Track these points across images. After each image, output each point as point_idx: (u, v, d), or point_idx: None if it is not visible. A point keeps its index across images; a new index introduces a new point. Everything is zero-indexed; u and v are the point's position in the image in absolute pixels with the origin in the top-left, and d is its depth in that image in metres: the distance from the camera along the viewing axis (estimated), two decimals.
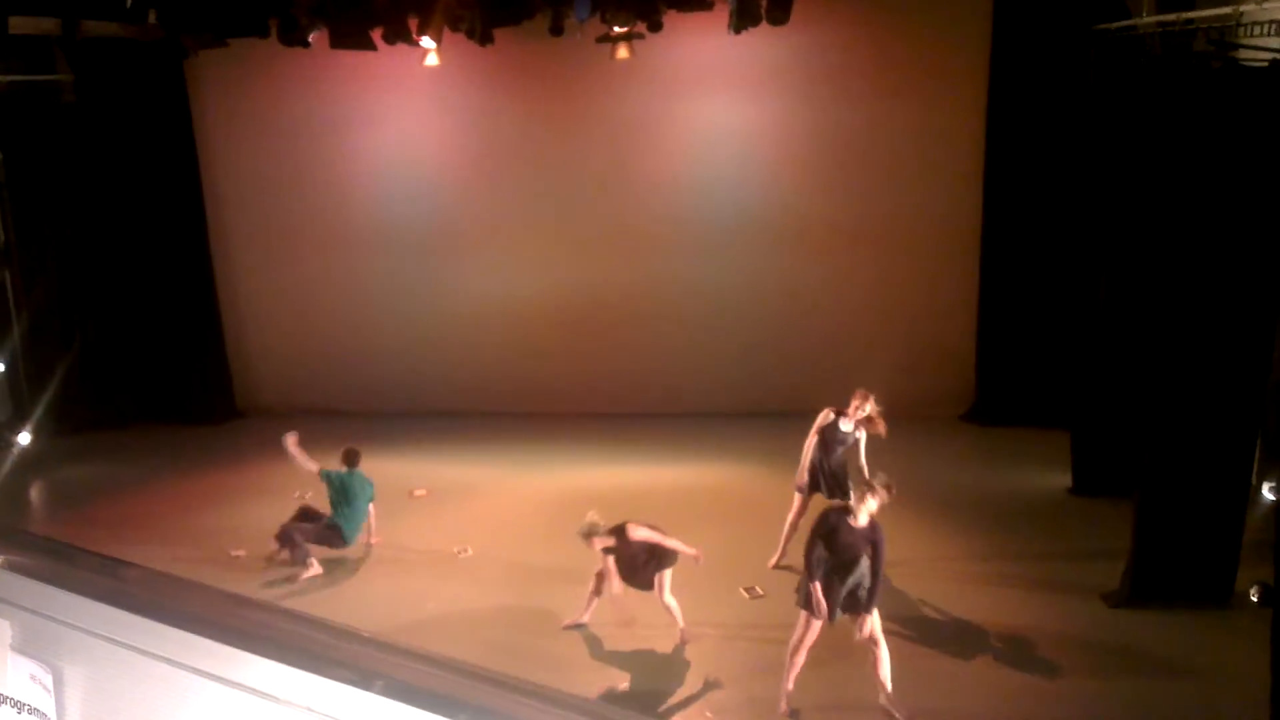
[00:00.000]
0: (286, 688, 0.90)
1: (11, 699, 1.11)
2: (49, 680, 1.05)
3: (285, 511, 9.36)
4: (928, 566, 8.17)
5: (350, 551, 8.55)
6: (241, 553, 8.68)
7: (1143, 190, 8.05)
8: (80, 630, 1.04)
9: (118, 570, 1.15)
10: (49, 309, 12.14)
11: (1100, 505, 8.86)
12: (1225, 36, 7.35)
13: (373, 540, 8.73)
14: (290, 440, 8.37)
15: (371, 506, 8.59)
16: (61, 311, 12.19)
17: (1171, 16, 7.93)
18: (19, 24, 9.43)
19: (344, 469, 8.40)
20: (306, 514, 8.51)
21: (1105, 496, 8.87)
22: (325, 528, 8.33)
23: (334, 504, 8.35)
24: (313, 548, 8.25)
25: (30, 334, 12.07)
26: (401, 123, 11.93)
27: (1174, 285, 7.19)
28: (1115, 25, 8.80)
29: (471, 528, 9.10)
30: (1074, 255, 9.91)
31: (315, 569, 8.17)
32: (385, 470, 9.73)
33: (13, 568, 1.13)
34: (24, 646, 1.07)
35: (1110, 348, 8.89)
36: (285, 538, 8.27)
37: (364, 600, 7.89)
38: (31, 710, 1.10)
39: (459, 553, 8.64)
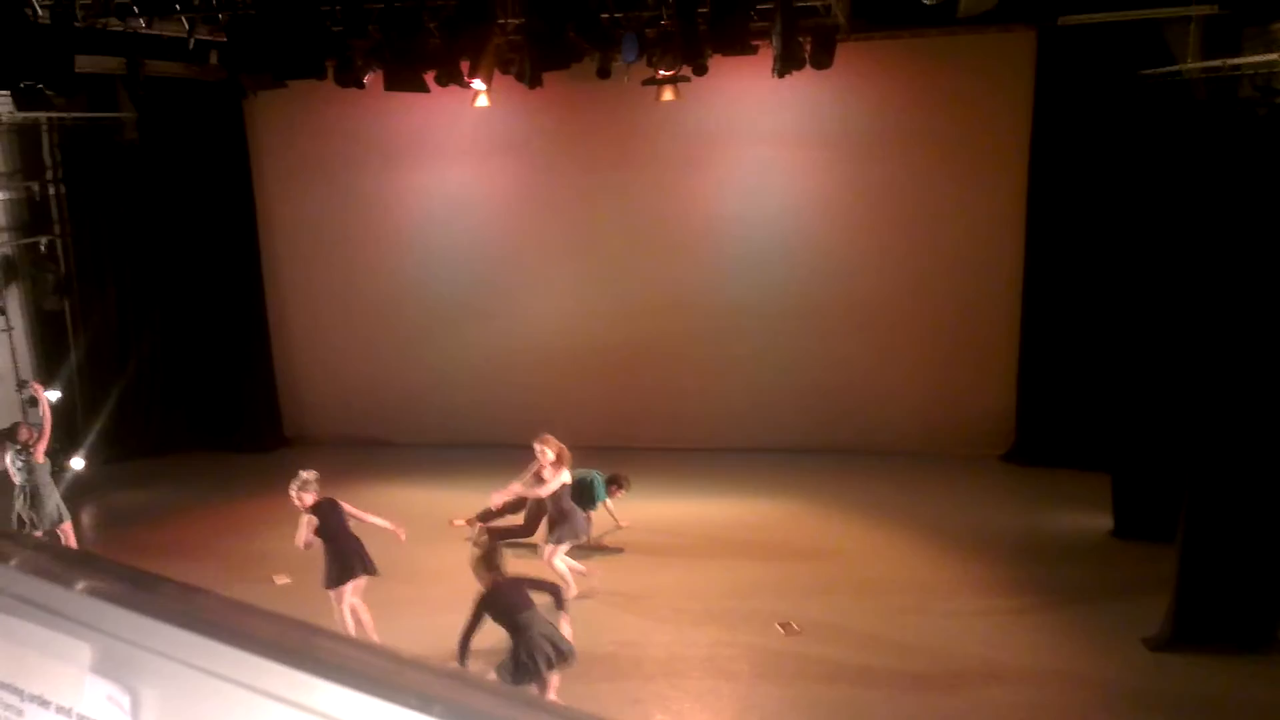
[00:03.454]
0: (352, 711, 0.97)
1: (89, 719, 1.17)
2: (126, 702, 1.12)
3: None
4: (966, 610, 8.12)
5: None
6: (285, 579, 8.81)
7: (1187, 236, 8.03)
8: (157, 654, 1.10)
9: (193, 596, 1.22)
10: (105, 338, 12.49)
11: (1142, 548, 8.77)
12: (1271, 83, 7.34)
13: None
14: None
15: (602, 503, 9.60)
16: (117, 341, 12.52)
17: (1217, 63, 7.93)
18: (85, 63, 9.73)
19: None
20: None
21: (1147, 539, 8.75)
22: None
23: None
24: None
25: (87, 362, 12.41)
26: (451, 162, 12.18)
27: (1219, 329, 7.16)
28: (1160, 71, 8.79)
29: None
30: (1116, 297, 9.86)
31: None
32: (426, 499, 9.87)
33: (92, 592, 1.20)
34: (102, 668, 1.13)
35: (1153, 390, 8.84)
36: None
37: (407, 630, 7.97)
38: None
39: None
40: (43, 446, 8.77)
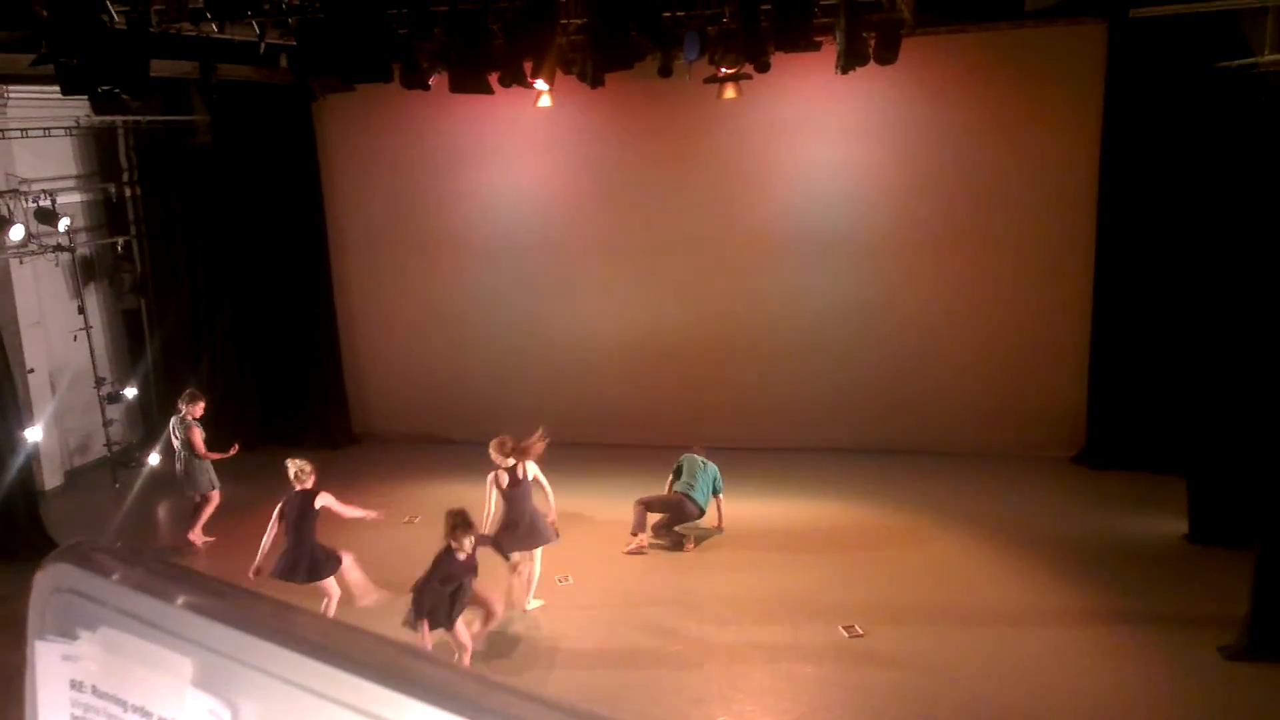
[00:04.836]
0: None
1: None
2: (226, 715, 1.14)
3: (398, 536, 9.63)
4: (1035, 614, 8.02)
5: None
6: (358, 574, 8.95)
7: (1264, 233, 7.84)
8: (256, 669, 1.14)
9: (290, 614, 1.25)
10: (180, 336, 12.79)
11: (1218, 554, 8.61)
12: None
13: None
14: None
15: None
16: (192, 339, 12.82)
17: None
18: (160, 68, 9.94)
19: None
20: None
21: (1223, 545, 8.60)
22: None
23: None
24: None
25: (162, 360, 12.74)
26: (514, 162, 12.28)
27: None
28: (1236, 64, 8.57)
29: (572, 555, 9.23)
30: (1191, 295, 9.65)
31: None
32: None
33: (193, 608, 1.23)
34: (203, 682, 1.17)
35: (1231, 390, 8.63)
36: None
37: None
38: None
39: (560, 581, 8.80)
40: (202, 447, 9.92)
